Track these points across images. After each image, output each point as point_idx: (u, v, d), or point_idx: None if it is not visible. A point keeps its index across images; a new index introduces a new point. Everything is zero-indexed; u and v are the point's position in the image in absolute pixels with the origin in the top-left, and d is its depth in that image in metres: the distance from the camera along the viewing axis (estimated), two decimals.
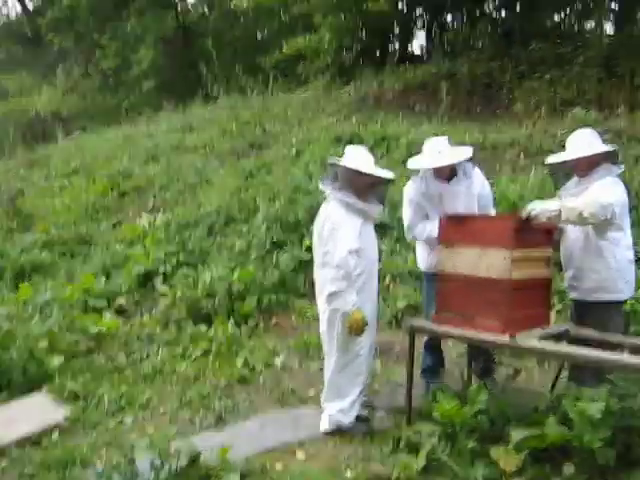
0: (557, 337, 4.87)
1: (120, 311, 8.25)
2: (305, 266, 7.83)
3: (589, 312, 4.89)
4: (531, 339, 4.41)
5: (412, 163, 5.34)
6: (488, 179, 8.84)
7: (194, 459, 4.50)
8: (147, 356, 6.85)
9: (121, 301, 8.27)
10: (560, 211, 4.54)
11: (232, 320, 7.16)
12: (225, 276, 7.60)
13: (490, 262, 4.54)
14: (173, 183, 12.31)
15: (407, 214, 5.38)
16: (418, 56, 19.58)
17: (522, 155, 9.31)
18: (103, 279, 8.67)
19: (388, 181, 5.14)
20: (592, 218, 4.56)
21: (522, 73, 13.33)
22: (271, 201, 9.22)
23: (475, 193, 5.30)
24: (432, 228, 5.12)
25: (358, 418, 5.11)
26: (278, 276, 7.72)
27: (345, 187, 4.97)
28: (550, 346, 4.30)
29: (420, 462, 4.31)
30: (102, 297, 8.30)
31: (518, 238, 4.48)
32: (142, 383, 6.32)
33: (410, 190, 5.37)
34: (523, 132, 9.99)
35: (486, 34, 15.40)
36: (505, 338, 4.41)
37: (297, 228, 8.26)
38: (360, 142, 11.00)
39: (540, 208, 4.53)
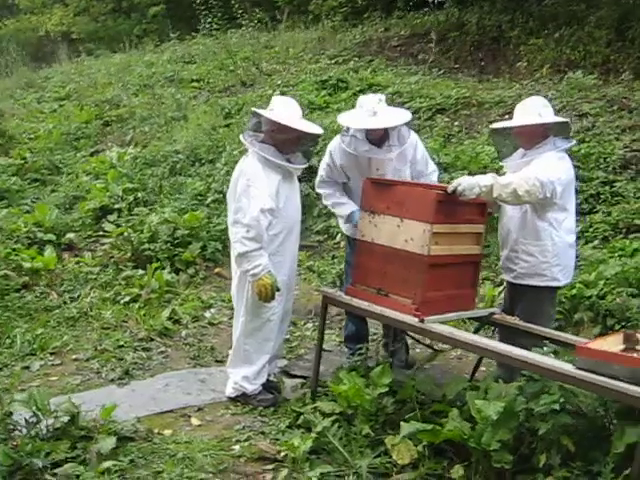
0: (480, 321, 4.53)
1: (69, 247, 7.95)
2: None
3: (520, 296, 4.52)
4: (440, 324, 4.03)
5: (343, 119, 4.93)
6: (468, 137, 8.52)
7: (73, 417, 4.21)
8: (78, 297, 6.54)
9: (70, 236, 7.94)
10: (492, 187, 4.11)
11: (169, 267, 6.80)
12: (172, 219, 7.22)
13: (409, 235, 4.13)
14: (155, 116, 11.87)
15: (323, 166, 5.03)
16: (440, 2, 18.76)
17: (507, 116, 8.75)
18: (56, 212, 8.32)
19: (315, 136, 4.71)
20: (528, 196, 4.14)
21: (531, 29, 12.66)
22: (238, 144, 8.77)
23: (407, 160, 4.89)
24: (340, 209, 4.95)
25: (266, 386, 4.79)
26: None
27: (267, 140, 4.56)
28: (459, 334, 3.92)
29: (307, 444, 3.98)
30: (52, 231, 7.98)
31: (441, 211, 4.05)
32: (64, 326, 6.03)
33: (336, 148, 4.95)
34: (514, 92, 9.39)
35: None
36: (414, 320, 4.04)
37: None
38: (345, 88, 10.57)
39: (467, 183, 4.07)
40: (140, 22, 24.87)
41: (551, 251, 4.38)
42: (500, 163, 4.72)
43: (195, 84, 14.31)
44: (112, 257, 7.17)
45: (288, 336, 5.78)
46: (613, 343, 3.71)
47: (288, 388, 4.94)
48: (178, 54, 17.20)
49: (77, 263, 7.31)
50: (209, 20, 14.69)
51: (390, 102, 9.76)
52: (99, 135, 12.57)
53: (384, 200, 4.28)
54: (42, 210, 8.32)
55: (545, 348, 3.96)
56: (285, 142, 4.52)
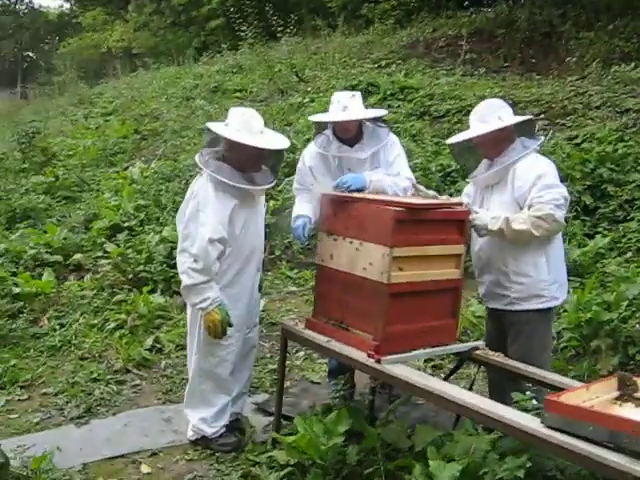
0: (462, 359, 3.89)
1: (77, 268, 7.65)
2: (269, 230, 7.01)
3: (513, 325, 3.87)
4: (400, 365, 3.42)
5: (314, 116, 4.67)
6: None
7: (2, 466, 3.80)
8: (67, 324, 6.17)
9: (77, 257, 7.62)
10: (503, 231, 3.63)
11: (165, 289, 6.38)
12: (172, 238, 6.79)
13: (368, 260, 3.55)
14: (186, 129, 11.58)
15: (297, 172, 4.64)
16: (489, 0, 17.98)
17: (543, 115, 8.01)
18: (65, 232, 8.05)
19: (277, 152, 4.15)
20: (547, 233, 3.66)
21: (584, 23, 11.80)
22: None
23: (383, 162, 4.39)
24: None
25: (231, 427, 4.27)
26: None
27: (226, 158, 4.04)
28: (415, 379, 3.29)
29: None
30: (60, 252, 7.68)
31: (402, 232, 3.45)
32: (44, 356, 5.68)
33: (308, 150, 4.56)
34: (552, 89, 8.62)
35: None
36: (369, 360, 3.45)
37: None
38: (375, 92, 10.02)
39: (480, 222, 3.70)
40: (198, 35, 24.82)
41: (546, 268, 3.79)
42: (467, 180, 4.10)
43: (238, 94, 14.02)
44: (109, 280, 6.78)
45: (275, 366, 5.28)
46: (604, 390, 3.06)
47: (261, 428, 4.43)
48: (228, 64, 16.99)
49: (79, 286, 6.97)
50: (244, 29, 14.30)
51: (420, 105, 9.28)
52: (135, 150, 12.38)
53: (342, 219, 3.72)
54: (52, 230, 8.07)
55: (528, 393, 3.34)
56: (244, 161, 3.99)
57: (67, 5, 35.59)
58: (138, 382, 5.20)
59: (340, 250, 3.73)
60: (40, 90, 23.42)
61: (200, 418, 4.20)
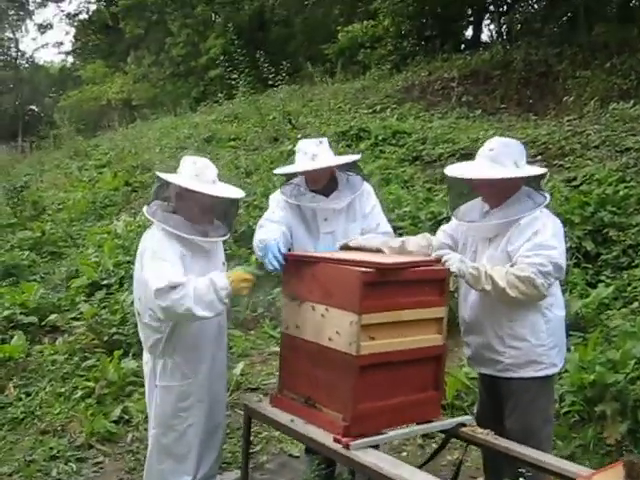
0: (447, 437, 3.44)
1: (53, 329, 7.24)
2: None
3: (507, 392, 3.45)
4: (368, 451, 2.98)
5: (279, 169, 4.35)
6: None
7: None
8: (33, 393, 5.75)
9: (52, 318, 7.21)
10: (479, 275, 3.21)
11: (134, 353, 5.95)
12: None
13: (334, 328, 3.14)
14: None
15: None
16: (486, 42, 17.87)
17: (540, 157, 7.63)
18: (41, 291, 7.66)
19: (230, 201, 3.81)
20: (522, 297, 3.21)
21: (581, 61, 11.55)
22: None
23: (359, 214, 4.02)
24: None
25: None
26: None
27: (176, 209, 3.70)
28: (390, 469, 2.83)
29: None
30: (36, 312, 7.28)
31: (372, 296, 3.05)
32: (4, 430, 5.24)
33: (275, 199, 4.12)
34: (548, 129, 8.29)
35: (549, 17, 13.60)
36: (336, 444, 3.01)
37: (246, 242, 6.93)
38: (367, 137, 9.71)
39: (455, 255, 3.31)
40: (198, 84, 24.84)
41: (545, 330, 3.37)
42: (451, 214, 3.66)
43: (232, 143, 13.81)
44: (82, 343, 6.37)
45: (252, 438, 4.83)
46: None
47: None
48: (224, 113, 16.85)
49: (51, 350, 6.55)
50: (236, 78, 14.16)
51: (412, 149, 8.95)
52: (124, 202, 12.07)
53: (306, 282, 3.32)
54: (29, 289, 7.69)
55: None
56: (194, 210, 3.65)
57: (70, 59, 36.03)
58: (101, 459, 4.75)
59: (304, 316, 3.33)
60: (39, 143, 23.36)
61: None
